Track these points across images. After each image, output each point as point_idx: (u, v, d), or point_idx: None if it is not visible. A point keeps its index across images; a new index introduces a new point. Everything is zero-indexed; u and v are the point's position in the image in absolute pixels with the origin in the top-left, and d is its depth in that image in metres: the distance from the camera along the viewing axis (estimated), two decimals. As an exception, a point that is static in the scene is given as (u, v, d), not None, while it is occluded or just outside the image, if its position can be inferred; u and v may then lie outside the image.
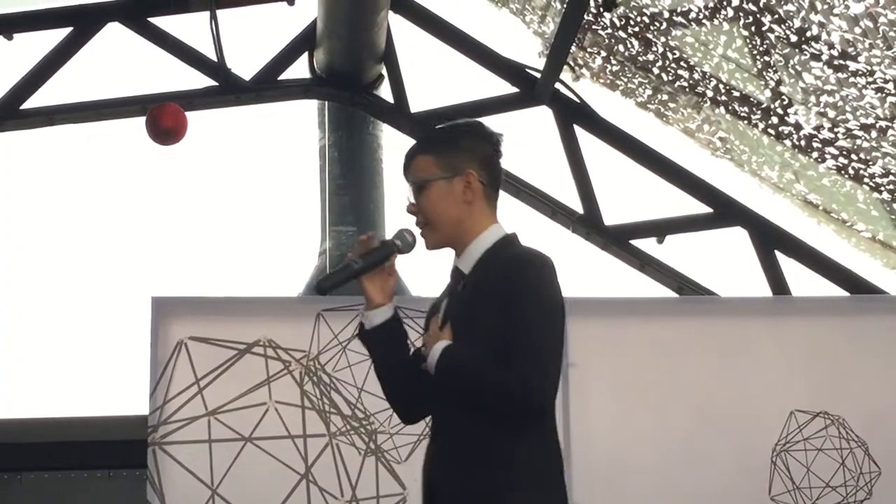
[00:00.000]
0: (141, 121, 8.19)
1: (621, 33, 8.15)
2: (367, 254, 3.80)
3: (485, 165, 3.94)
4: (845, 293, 8.29)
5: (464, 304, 3.74)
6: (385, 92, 9.29)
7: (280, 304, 7.49)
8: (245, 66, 9.01)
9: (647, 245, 8.47)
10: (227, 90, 8.95)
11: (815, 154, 7.91)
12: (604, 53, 8.71)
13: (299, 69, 9.22)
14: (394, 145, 9.60)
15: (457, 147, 3.88)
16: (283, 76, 9.16)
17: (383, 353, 3.92)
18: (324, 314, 7.05)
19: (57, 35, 8.76)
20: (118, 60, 9.19)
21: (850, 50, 6.86)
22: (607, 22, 8.14)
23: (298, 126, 9.93)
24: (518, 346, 3.58)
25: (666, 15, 7.76)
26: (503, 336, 3.60)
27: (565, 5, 7.61)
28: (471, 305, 3.71)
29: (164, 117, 8.00)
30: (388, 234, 9.71)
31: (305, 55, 9.19)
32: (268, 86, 9.10)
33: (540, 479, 3.67)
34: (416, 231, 3.91)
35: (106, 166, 10.04)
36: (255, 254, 10.17)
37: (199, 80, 8.87)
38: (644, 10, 7.85)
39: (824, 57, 7.01)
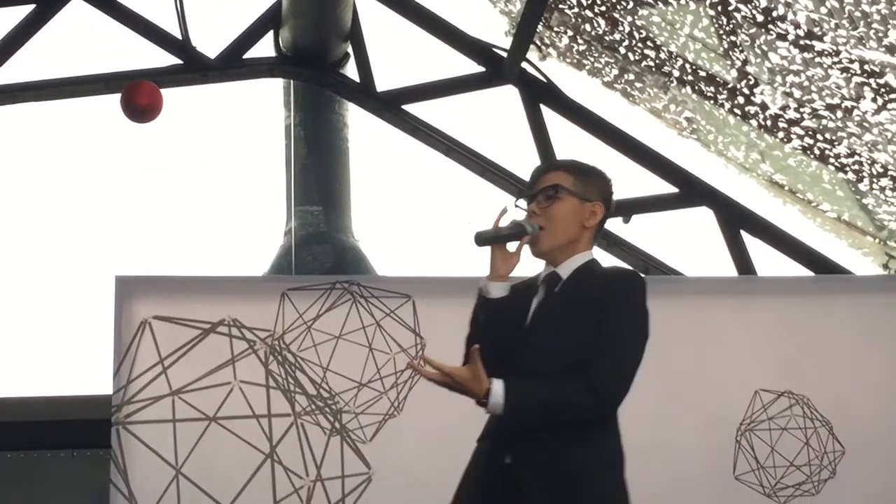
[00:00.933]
0: (105, 98, 8.15)
1: (588, 13, 8.14)
2: (517, 224, 4.07)
3: (605, 206, 4.18)
4: (810, 273, 8.32)
5: (558, 313, 3.99)
6: (351, 71, 9.26)
7: (245, 283, 7.45)
8: (210, 43, 8.98)
9: (613, 225, 8.47)
10: (192, 68, 8.91)
11: (780, 134, 7.92)
12: (570, 33, 8.70)
13: (265, 47, 9.20)
14: (360, 124, 9.57)
15: (591, 179, 4.17)
16: (248, 54, 9.12)
17: (494, 324, 4.05)
18: (288, 294, 7.03)
19: (20, 12, 8.70)
20: (82, 38, 9.12)
21: (815, 30, 6.86)
22: (574, 1, 8.12)
23: (264, 105, 9.89)
24: (606, 358, 3.86)
25: (633, -6, 7.76)
26: (590, 344, 3.86)
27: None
28: (565, 316, 3.96)
29: (140, 95, 7.96)
30: (354, 214, 9.67)
31: (271, 33, 9.15)
32: (233, 64, 9.07)
33: (620, 460, 3.92)
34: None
35: (69, 145, 9.97)
36: (219, 233, 10.12)
37: (163, 58, 8.83)
38: (611, -10, 7.85)
39: (790, 37, 7.01)
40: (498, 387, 3.82)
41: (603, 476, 3.88)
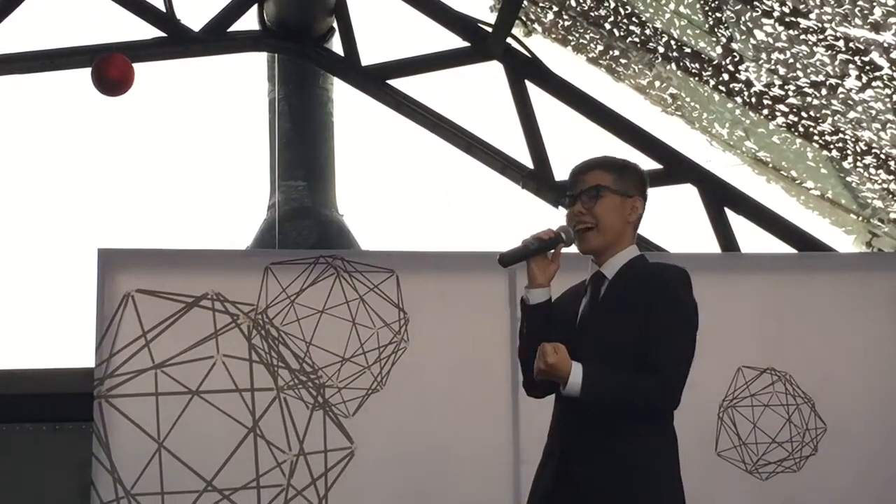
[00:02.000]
0: (89, 71, 8.10)
1: (573, -12, 8.13)
2: (540, 239, 4.17)
3: (643, 200, 4.32)
4: (793, 250, 8.33)
5: (606, 311, 4.14)
6: (336, 45, 9.23)
7: (228, 257, 7.43)
8: (194, 16, 8.94)
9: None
10: (176, 41, 8.88)
11: (765, 111, 7.92)
12: (556, 8, 8.69)
13: (249, 21, 9.17)
14: (344, 99, 9.56)
15: (628, 174, 4.30)
16: (232, 28, 9.09)
17: (535, 330, 4.20)
18: (272, 268, 7.01)
19: (2, -16, 8.65)
20: (65, 10, 9.09)
21: (801, 7, 6.86)
22: (559, -24, 8.11)
23: (248, 79, 9.87)
24: (661, 350, 4.00)
25: (618, -30, 7.74)
26: (641, 340, 4.01)
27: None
28: (612, 314, 4.10)
29: (110, 68, 7.93)
30: (339, 188, 9.66)
31: (255, 7, 9.12)
32: (217, 37, 9.04)
33: (674, 453, 4.13)
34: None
35: (53, 117, 9.95)
36: (203, 207, 10.11)
37: (147, 31, 8.79)
38: (596, -35, 7.83)
39: (775, 14, 7.01)
40: (577, 368, 3.93)
41: (653, 465, 4.04)
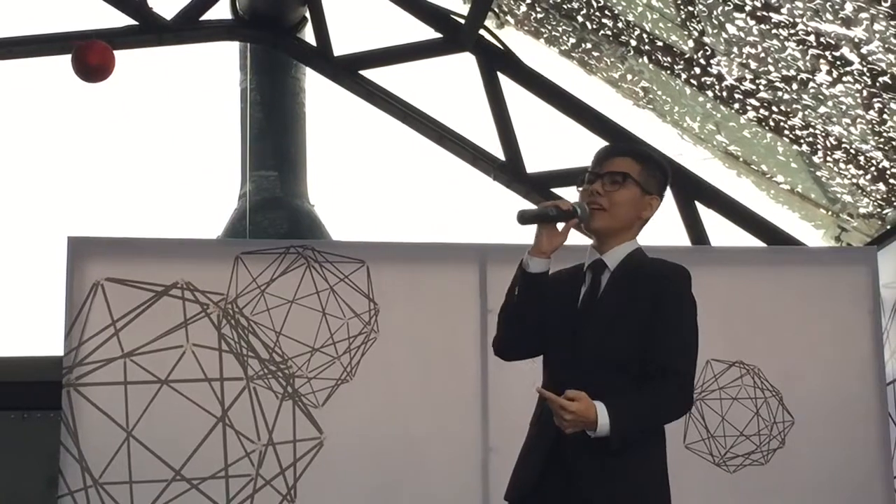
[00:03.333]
0: (60, 59, 8.07)
1: (546, -20, 8.13)
2: (559, 208, 4.13)
3: (660, 200, 4.31)
4: (763, 244, 8.35)
5: (610, 301, 4.11)
6: (308, 35, 9.22)
7: (199, 246, 7.42)
8: (166, 5, 8.91)
9: (568, 194, 8.49)
10: (148, 30, 8.85)
11: (736, 105, 7.94)
12: (528, 1, 8.69)
13: (222, 10, 9.14)
14: (316, 89, 9.54)
15: (656, 173, 4.26)
16: (205, 17, 9.06)
17: (526, 299, 4.16)
18: (242, 257, 7.01)
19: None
20: (34, -3, 9.05)
21: (772, 2, 6.88)
22: (532, -31, 8.12)
23: (220, 68, 9.84)
24: (674, 353, 4.02)
25: (591, -37, 7.75)
26: (650, 338, 4.01)
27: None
28: (617, 304, 4.09)
29: (90, 54, 7.90)
30: (310, 179, 9.65)
31: (228, -4, 9.10)
32: (189, 26, 9.01)
33: (664, 439, 4.09)
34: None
35: (23, 104, 9.90)
36: (174, 195, 10.08)
37: (119, 19, 8.76)
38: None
39: (747, 8, 7.03)
40: (601, 409, 3.88)
41: (649, 452, 4.02)
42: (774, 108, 7.73)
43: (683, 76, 8.06)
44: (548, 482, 4.02)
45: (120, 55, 8.09)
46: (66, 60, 8.04)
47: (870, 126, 7.29)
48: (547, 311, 4.13)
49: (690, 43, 7.74)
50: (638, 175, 4.18)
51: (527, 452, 4.16)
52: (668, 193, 8.36)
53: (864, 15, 6.47)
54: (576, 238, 4.38)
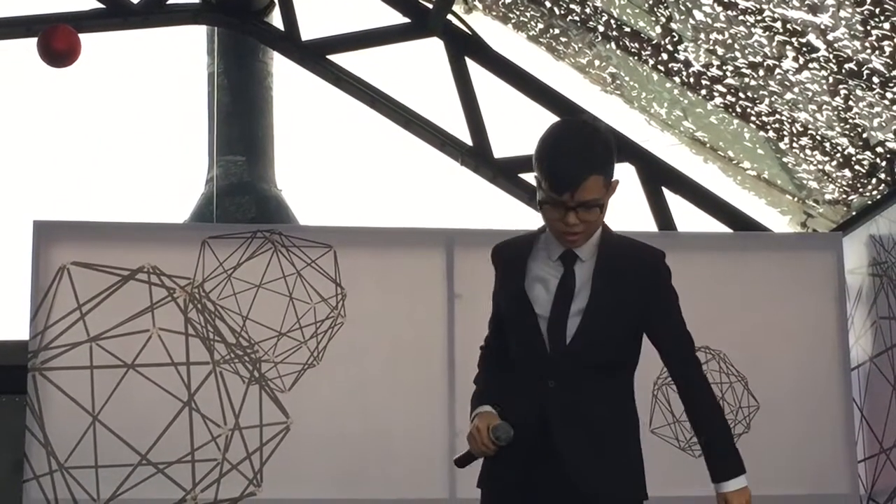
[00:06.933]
0: (26, 42, 8.04)
1: (514, -34, 8.13)
2: (487, 447, 3.92)
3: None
4: (729, 230, 8.38)
5: (594, 294, 3.93)
6: (276, 19, 9.20)
7: (165, 230, 7.42)
8: (133, -12, 8.87)
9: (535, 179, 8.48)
10: (115, 13, 8.82)
11: (703, 91, 7.96)
12: (497, -14, 8.69)
13: (189, -7, 9.11)
14: (284, 74, 9.52)
15: (612, 161, 4.00)
16: (172, 0, 9.03)
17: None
18: (209, 241, 7.00)
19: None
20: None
21: (740, -12, 6.90)
22: (500, -46, 8.12)
23: (187, 52, 9.80)
24: (684, 343, 4.04)
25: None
26: (642, 316, 3.97)
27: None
28: (602, 296, 3.93)
29: (56, 39, 7.87)
30: (278, 163, 9.61)
31: (195, -21, 9.07)
32: (156, 10, 8.98)
33: (637, 421, 4.09)
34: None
35: (-13, 89, 9.85)
36: (140, 180, 10.06)
37: (86, 2, 8.72)
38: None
39: (715, -6, 7.05)
40: (739, 478, 4.27)
41: (630, 437, 4.02)
42: (741, 95, 7.76)
43: (651, 62, 8.07)
44: (538, 467, 3.92)
45: (86, 39, 8.05)
46: (31, 43, 8.00)
47: (836, 113, 7.32)
48: (511, 315, 4.07)
49: (658, 29, 7.75)
50: (603, 186, 3.90)
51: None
52: (636, 179, 8.47)
53: (830, 2, 6.50)
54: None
